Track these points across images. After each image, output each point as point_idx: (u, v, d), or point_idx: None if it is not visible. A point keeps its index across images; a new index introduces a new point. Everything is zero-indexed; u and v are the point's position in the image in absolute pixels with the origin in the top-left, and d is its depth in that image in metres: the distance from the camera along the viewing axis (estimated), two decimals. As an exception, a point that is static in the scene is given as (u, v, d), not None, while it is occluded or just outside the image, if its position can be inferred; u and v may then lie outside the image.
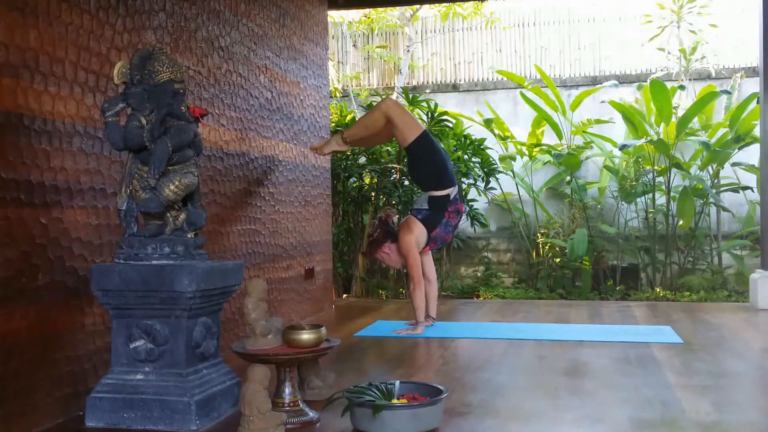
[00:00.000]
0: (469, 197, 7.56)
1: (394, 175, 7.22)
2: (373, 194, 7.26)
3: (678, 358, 3.77)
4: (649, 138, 7.53)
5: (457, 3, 9.26)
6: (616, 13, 9.64)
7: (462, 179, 7.42)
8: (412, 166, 4.70)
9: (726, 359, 3.76)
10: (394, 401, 2.62)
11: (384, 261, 4.80)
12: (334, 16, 9.97)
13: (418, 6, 9.66)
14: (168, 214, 2.83)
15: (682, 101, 8.51)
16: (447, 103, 9.15)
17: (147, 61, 2.80)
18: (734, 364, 3.64)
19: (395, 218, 4.86)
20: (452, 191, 4.63)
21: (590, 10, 9.75)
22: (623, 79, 9.17)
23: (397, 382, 2.74)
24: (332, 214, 6.43)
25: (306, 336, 2.74)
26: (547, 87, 8.26)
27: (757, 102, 6.33)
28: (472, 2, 8.93)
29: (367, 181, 7.34)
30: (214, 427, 2.70)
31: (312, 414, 2.74)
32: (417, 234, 4.59)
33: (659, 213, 7.86)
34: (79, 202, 2.87)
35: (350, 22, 10.36)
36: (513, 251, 8.83)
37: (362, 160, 7.37)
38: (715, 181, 7.90)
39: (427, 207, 4.62)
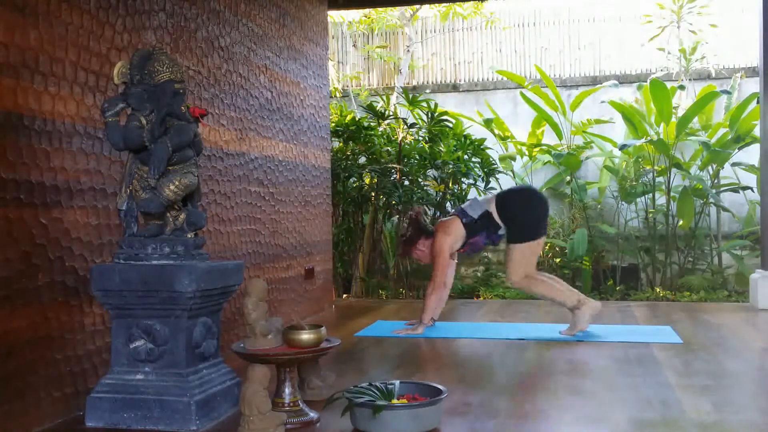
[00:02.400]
0: (469, 197, 7.56)
1: (394, 175, 7.22)
2: (373, 194, 7.26)
3: (678, 358, 3.77)
4: (649, 138, 7.53)
5: (457, 3, 9.26)
6: (616, 13, 9.64)
7: (462, 179, 7.42)
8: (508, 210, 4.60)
9: (726, 359, 3.76)
10: (394, 401, 2.62)
11: (420, 259, 4.75)
12: (334, 16, 9.97)
13: (418, 6, 9.66)
14: (168, 214, 2.83)
15: (682, 101, 8.51)
16: (447, 103, 9.15)
17: (147, 61, 2.80)
18: (734, 364, 3.64)
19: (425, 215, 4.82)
20: (503, 231, 4.60)
21: (590, 10, 9.76)
22: (623, 79, 9.17)
23: (397, 382, 2.74)
24: (332, 214, 6.43)
25: (306, 336, 2.74)
26: (547, 87, 8.26)
27: (757, 102, 6.33)
28: (472, 2, 8.93)
29: (367, 181, 7.34)
30: (214, 427, 2.70)
31: (312, 414, 2.74)
32: (455, 237, 4.56)
33: (659, 213, 7.86)
34: (79, 202, 2.87)
35: (350, 22, 10.36)
36: (513, 251, 8.81)
37: (362, 160, 7.37)
38: (715, 181, 7.89)
39: (477, 217, 4.56)
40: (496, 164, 7.74)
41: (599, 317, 5.18)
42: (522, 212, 4.54)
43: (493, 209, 4.54)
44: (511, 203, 4.56)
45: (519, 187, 4.74)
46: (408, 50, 10.06)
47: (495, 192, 4.70)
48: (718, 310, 5.57)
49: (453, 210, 5.00)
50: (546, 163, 8.47)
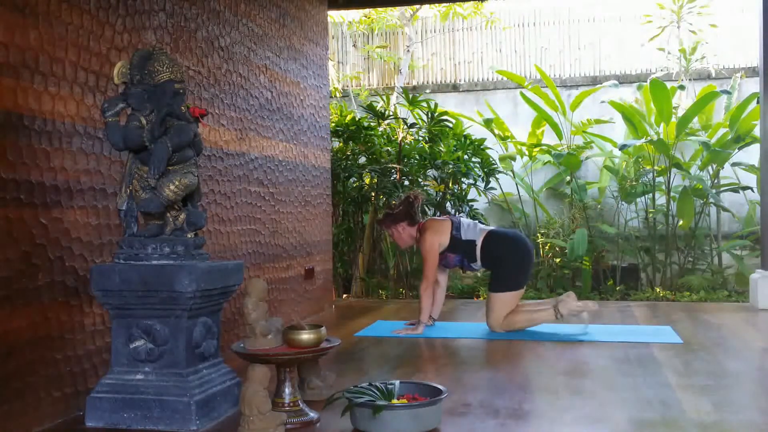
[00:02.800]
0: (469, 197, 7.56)
1: (394, 175, 7.22)
2: (373, 194, 7.26)
3: (678, 358, 3.77)
4: (649, 138, 7.53)
5: (457, 3, 9.26)
6: (616, 13, 9.64)
7: (462, 179, 7.42)
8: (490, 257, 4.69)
9: (726, 359, 3.76)
10: (394, 401, 2.62)
11: (392, 237, 4.85)
12: (334, 16, 9.98)
13: (418, 6, 9.66)
14: (168, 214, 2.82)
15: (682, 101, 8.51)
16: (447, 103, 9.15)
17: (147, 61, 2.80)
18: (734, 364, 3.64)
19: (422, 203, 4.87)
20: (478, 266, 4.71)
21: (590, 10, 9.76)
22: (623, 79, 9.17)
23: (397, 382, 2.74)
24: (332, 214, 6.43)
25: (306, 336, 2.74)
26: (547, 87, 8.26)
27: (757, 102, 6.33)
28: (472, 2, 8.93)
29: (367, 181, 7.34)
30: (214, 427, 2.70)
31: (312, 414, 2.74)
32: (442, 240, 4.63)
33: (659, 213, 7.86)
34: (79, 202, 2.87)
35: (350, 22, 10.36)
36: (513, 251, 8.81)
37: (362, 160, 7.37)
38: (715, 181, 7.89)
39: (463, 238, 4.62)
40: (496, 164, 7.74)
41: (599, 317, 5.19)
42: (507, 258, 4.61)
43: (479, 243, 4.62)
44: (496, 245, 4.63)
45: (510, 233, 4.79)
46: (408, 50, 10.06)
47: (490, 228, 4.76)
48: (718, 310, 5.57)
49: (450, 215, 5.03)
50: (546, 163, 8.47)
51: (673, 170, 7.62)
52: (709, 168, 7.87)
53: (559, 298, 4.58)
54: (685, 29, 9.22)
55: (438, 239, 4.63)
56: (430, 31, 10.32)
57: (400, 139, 7.30)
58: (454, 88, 9.83)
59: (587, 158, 8.52)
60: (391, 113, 7.49)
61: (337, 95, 9.49)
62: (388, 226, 4.79)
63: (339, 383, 3.11)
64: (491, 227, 4.80)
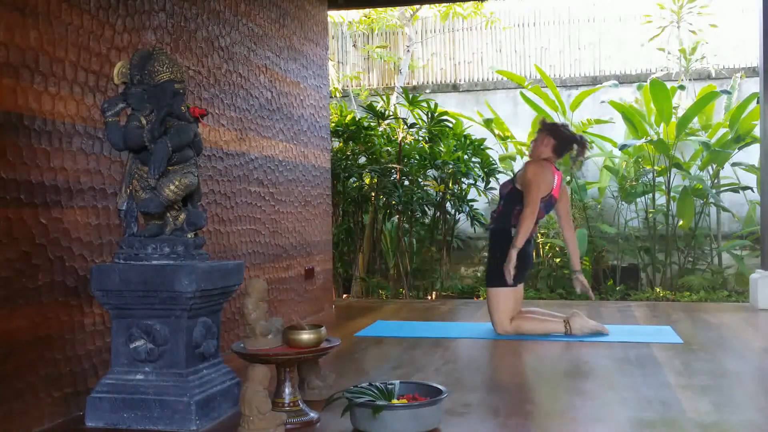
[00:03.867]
0: (469, 197, 7.57)
1: (394, 175, 7.22)
2: (373, 194, 7.27)
3: (678, 358, 3.77)
4: (649, 138, 7.53)
5: (457, 3, 9.26)
6: (616, 13, 9.66)
7: (462, 179, 7.42)
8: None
9: (726, 359, 3.76)
10: (394, 401, 2.62)
11: (536, 141, 4.67)
12: (334, 16, 9.98)
13: (418, 6, 9.67)
14: (168, 215, 2.83)
15: (682, 101, 8.52)
16: (447, 103, 9.15)
17: (147, 61, 2.80)
18: (734, 364, 3.64)
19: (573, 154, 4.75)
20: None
21: (590, 10, 9.77)
22: (623, 79, 9.18)
23: (397, 382, 2.74)
24: (332, 214, 6.43)
25: (306, 336, 2.74)
26: (547, 87, 8.26)
27: (757, 102, 6.33)
28: (472, 2, 8.94)
29: (367, 181, 7.34)
30: (214, 427, 2.70)
31: (312, 414, 2.74)
32: (544, 178, 4.50)
33: (659, 213, 7.86)
34: (79, 202, 2.87)
35: (350, 22, 10.37)
36: (513, 251, 8.80)
37: (362, 160, 7.37)
38: (715, 181, 7.89)
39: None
40: (496, 164, 7.74)
41: (599, 317, 5.19)
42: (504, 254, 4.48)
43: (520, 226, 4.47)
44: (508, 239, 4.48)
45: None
46: (408, 50, 10.07)
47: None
48: (718, 310, 5.57)
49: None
50: (546, 163, 8.46)
51: (673, 170, 7.62)
52: (709, 168, 7.87)
53: (571, 313, 4.50)
54: (685, 29, 9.23)
55: (542, 177, 4.48)
56: (430, 31, 10.32)
57: (400, 139, 7.30)
58: (454, 88, 9.84)
59: (587, 158, 8.51)
60: (391, 113, 7.50)
61: (337, 95, 9.50)
62: (547, 133, 4.63)
63: (339, 383, 3.11)
64: None
